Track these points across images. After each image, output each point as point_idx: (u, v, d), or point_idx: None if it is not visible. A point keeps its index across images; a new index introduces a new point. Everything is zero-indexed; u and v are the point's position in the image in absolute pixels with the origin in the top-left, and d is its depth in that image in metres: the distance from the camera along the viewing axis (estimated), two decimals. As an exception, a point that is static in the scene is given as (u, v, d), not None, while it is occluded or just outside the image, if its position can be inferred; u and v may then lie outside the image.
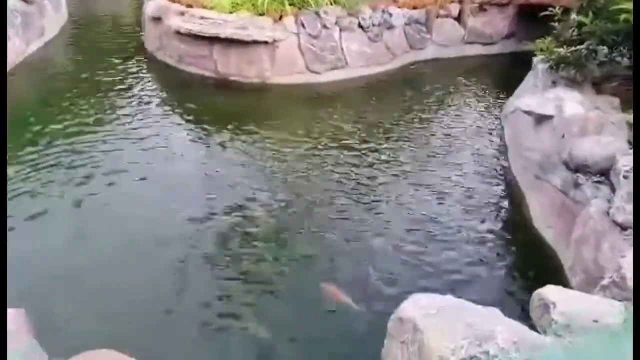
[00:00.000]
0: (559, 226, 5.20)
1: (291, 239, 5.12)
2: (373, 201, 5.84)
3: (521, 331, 2.73)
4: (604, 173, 4.79)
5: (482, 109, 8.27)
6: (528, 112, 6.09)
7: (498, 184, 6.30)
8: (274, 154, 6.67)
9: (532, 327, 3.12)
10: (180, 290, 4.32)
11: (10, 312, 2.77)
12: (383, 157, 6.74)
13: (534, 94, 6.41)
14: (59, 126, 7.06)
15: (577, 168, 4.99)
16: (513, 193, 6.11)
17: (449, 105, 8.40)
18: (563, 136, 5.42)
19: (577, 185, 5.00)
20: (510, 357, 2.56)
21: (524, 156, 6.13)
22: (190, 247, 4.85)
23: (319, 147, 6.86)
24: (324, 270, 4.70)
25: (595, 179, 4.83)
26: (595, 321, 3.08)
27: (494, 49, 10.22)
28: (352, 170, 6.36)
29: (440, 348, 2.64)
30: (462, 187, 6.16)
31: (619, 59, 6.23)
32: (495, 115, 7.96)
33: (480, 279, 4.82)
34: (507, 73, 9.14)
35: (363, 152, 6.82)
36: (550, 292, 3.32)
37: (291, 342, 3.82)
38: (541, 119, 5.89)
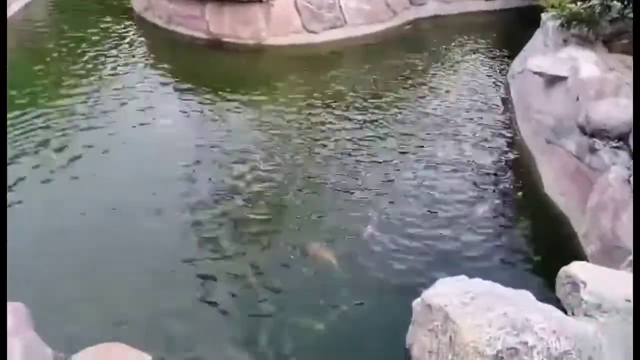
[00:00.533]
0: (572, 193, 5.05)
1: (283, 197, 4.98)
2: (374, 162, 5.65)
3: (559, 319, 2.58)
4: (622, 138, 4.60)
5: (487, 68, 7.99)
6: (539, 73, 5.84)
7: (505, 148, 6.10)
8: (267, 121, 6.39)
9: (556, 303, 3.01)
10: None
11: (10, 307, 2.58)
12: (388, 115, 6.50)
13: (545, 54, 6.15)
14: (40, 87, 6.81)
15: (594, 132, 4.80)
16: (522, 157, 5.92)
17: (452, 64, 8.11)
18: (577, 99, 5.20)
19: (593, 150, 4.82)
20: (550, 348, 2.42)
21: (534, 119, 5.92)
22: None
23: (314, 111, 6.58)
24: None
25: (614, 144, 4.64)
26: (628, 300, 2.95)
27: (496, 4, 9.87)
28: (355, 136, 6.14)
29: (475, 340, 2.49)
30: (466, 152, 5.96)
31: (631, 15, 5.97)
32: (500, 75, 7.70)
33: (488, 248, 4.68)
34: (511, 30, 8.82)
35: (369, 110, 6.59)
36: (578, 269, 3.18)
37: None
38: (553, 81, 5.66)
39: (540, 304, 2.72)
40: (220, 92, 6.95)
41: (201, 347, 3.39)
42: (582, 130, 4.93)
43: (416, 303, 2.99)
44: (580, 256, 4.37)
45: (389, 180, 5.40)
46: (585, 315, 2.93)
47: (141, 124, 6.21)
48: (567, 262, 4.37)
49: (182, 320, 3.58)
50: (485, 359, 2.47)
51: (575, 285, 3.08)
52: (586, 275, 3.08)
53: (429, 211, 4.99)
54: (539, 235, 4.92)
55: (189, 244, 4.38)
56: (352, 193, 5.15)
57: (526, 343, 2.45)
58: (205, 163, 5.48)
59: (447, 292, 2.74)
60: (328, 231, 4.55)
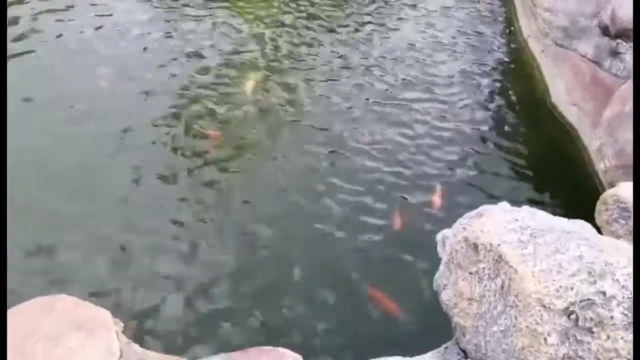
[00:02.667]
0: (585, 103, 4.53)
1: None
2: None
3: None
4: (654, 39, 4.02)
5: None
6: (549, -39, 5.13)
7: (505, 51, 5.48)
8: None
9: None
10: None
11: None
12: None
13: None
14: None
15: (619, 33, 4.21)
16: (524, 63, 5.33)
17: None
18: (598, -6, 4.56)
19: (615, 54, 4.26)
20: (632, 298, 1.91)
21: (541, 18, 5.26)
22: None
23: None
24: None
25: (642, 46, 4.07)
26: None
27: None
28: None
29: (540, 289, 1.94)
30: (460, 54, 5.31)
31: None
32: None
33: (489, 164, 4.19)
34: None
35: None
36: (627, 192, 2.67)
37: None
38: (568, -29, 4.97)
39: (609, 239, 2.18)
40: None
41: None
42: (605, 30, 4.33)
43: (448, 235, 2.41)
44: (591, 174, 3.97)
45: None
46: None
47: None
48: (577, 180, 3.96)
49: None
50: (552, 314, 1.94)
51: (625, 210, 2.57)
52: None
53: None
54: (545, 150, 4.44)
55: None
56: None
57: (604, 293, 1.92)
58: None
59: (498, 226, 2.15)
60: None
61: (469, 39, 5.62)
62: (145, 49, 4.99)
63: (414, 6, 6.03)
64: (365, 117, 4.51)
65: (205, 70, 4.78)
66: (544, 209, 2.30)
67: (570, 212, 2.45)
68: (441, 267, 2.37)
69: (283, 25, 5.46)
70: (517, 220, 2.17)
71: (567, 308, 1.93)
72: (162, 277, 3.19)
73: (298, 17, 5.62)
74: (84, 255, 3.19)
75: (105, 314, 2.04)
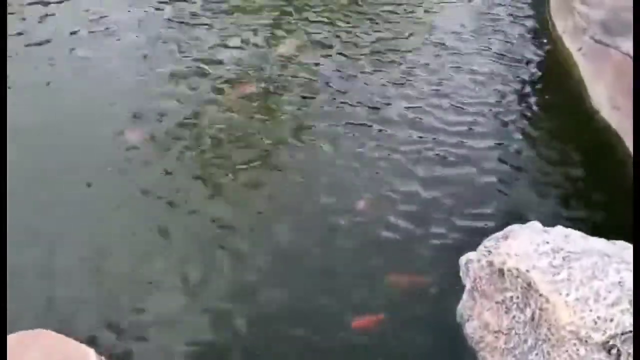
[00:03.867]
0: (629, 106, 4.40)
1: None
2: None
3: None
4: None
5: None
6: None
7: (536, 50, 5.38)
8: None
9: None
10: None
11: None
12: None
13: None
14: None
15: (669, 27, 4.11)
16: (558, 63, 5.22)
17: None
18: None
19: (663, 51, 4.15)
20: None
21: (577, 12, 5.16)
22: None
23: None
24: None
25: (696, 42, 3.98)
26: None
27: None
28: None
29: (575, 321, 1.86)
30: (486, 55, 5.24)
31: None
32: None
33: (517, 176, 4.09)
34: None
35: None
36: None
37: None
38: (607, -41, 4.88)
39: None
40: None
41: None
42: (651, 24, 4.23)
43: (469, 260, 2.33)
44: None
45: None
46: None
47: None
48: (619, 194, 3.84)
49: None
50: (589, 348, 1.85)
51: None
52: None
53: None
54: (583, 159, 4.32)
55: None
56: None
57: (648, 324, 1.83)
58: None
59: (527, 249, 2.07)
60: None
61: (495, 37, 5.53)
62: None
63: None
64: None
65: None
66: (580, 229, 2.22)
67: (610, 231, 2.35)
68: (464, 295, 2.30)
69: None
70: (548, 242, 2.10)
71: (607, 342, 1.86)
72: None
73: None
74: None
75: (88, 351, 2.00)
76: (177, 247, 3.33)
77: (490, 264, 2.11)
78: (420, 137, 4.31)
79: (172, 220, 3.51)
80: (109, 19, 5.42)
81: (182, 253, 3.28)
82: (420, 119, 4.48)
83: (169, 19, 5.52)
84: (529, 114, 4.68)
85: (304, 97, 4.60)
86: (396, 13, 5.84)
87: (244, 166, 3.96)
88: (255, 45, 5.18)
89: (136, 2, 5.73)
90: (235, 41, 5.20)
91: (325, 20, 5.63)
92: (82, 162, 3.90)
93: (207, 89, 4.60)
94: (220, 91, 4.58)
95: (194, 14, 5.55)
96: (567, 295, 1.90)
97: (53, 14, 5.55)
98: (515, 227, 2.23)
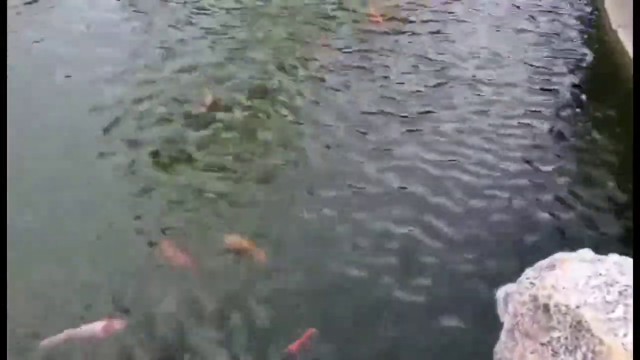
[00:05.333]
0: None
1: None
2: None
3: None
4: None
5: None
6: None
7: (589, 47, 5.27)
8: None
9: None
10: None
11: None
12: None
13: None
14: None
15: None
16: (615, 62, 5.08)
17: None
18: None
19: None
20: None
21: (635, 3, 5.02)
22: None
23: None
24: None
25: None
26: None
27: None
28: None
29: (634, 366, 1.73)
30: (535, 53, 5.14)
31: None
32: None
33: (566, 194, 3.91)
34: None
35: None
36: None
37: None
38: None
39: None
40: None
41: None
42: None
43: (508, 294, 2.21)
44: None
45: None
46: None
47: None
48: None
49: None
50: (651, 398, 1.72)
51: None
52: None
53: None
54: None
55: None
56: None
57: None
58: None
59: (576, 281, 1.95)
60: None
61: (544, 34, 5.42)
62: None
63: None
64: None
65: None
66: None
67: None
68: (503, 335, 2.19)
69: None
70: (601, 273, 1.99)
71: (672, 392, 1.71)
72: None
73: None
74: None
75: None
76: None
77: (534, 298, 2.00)
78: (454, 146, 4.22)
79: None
80: None
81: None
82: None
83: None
84: (580, 118, 4.60)
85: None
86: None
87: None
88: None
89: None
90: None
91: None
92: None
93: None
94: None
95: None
96: (625, 336, 1.79)
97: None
98: (562, 255, 2.13)
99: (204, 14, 5.82)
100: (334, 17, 5.71)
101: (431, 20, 5.70)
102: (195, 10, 5.83)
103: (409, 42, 5.35)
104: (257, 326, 2.95)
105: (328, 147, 4.16)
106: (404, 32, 5.51)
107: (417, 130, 4.36)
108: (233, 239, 3.48)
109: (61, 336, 2.92)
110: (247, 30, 5.54)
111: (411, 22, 5.68)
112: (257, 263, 3.30)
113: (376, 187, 3.84)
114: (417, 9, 5.86)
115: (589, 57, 5.22)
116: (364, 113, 4.49)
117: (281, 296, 3.09)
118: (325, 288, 3.17)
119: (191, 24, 5.62)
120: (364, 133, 4.31)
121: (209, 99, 4.55)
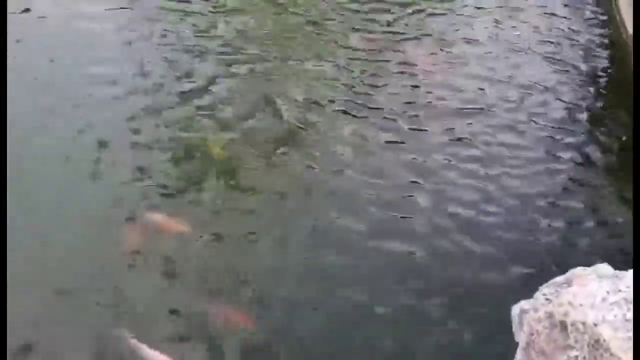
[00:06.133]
0: None
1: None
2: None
3: None
4: None
5: None
6: None
7: (603, 55, 5.26)
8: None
9: None
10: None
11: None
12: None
13: None
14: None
15: None
16: (619, 46, 5.07)
17: None
18: None
19: None
20: None
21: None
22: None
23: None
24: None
25: None
26: None
27: None
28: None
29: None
30: (547, 61, 5.14)
31: None
32: None
33: (584, 208, 3.88)
34: None
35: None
36: None
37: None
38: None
39: None
40: None
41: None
42: None
43: (523, 310, 2.17)
44: None
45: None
46: None
47: None
48: None
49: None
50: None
51: None
52: None
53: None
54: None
55: None
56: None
57: None
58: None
59: (594, 298, 1.91)
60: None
61: (555, 41, 5.40)
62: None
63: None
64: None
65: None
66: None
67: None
68: (518, 353, 2.14)
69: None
70: (620, 289, 1.95)
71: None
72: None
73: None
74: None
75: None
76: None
77: (550, 315, 1.96)
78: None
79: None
80: None
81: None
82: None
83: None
84: (594, 130, 4.59)
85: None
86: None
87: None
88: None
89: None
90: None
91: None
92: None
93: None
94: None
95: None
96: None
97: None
98: (579, 271, 2.09)
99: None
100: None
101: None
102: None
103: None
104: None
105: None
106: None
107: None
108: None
109: (149, 352, 2.85)
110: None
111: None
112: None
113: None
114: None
115: (604, 65, 5.19)
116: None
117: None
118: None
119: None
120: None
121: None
